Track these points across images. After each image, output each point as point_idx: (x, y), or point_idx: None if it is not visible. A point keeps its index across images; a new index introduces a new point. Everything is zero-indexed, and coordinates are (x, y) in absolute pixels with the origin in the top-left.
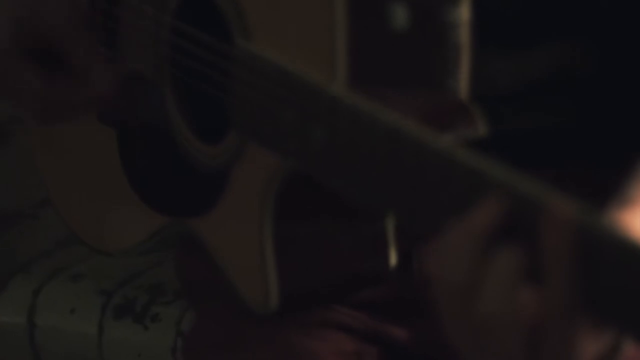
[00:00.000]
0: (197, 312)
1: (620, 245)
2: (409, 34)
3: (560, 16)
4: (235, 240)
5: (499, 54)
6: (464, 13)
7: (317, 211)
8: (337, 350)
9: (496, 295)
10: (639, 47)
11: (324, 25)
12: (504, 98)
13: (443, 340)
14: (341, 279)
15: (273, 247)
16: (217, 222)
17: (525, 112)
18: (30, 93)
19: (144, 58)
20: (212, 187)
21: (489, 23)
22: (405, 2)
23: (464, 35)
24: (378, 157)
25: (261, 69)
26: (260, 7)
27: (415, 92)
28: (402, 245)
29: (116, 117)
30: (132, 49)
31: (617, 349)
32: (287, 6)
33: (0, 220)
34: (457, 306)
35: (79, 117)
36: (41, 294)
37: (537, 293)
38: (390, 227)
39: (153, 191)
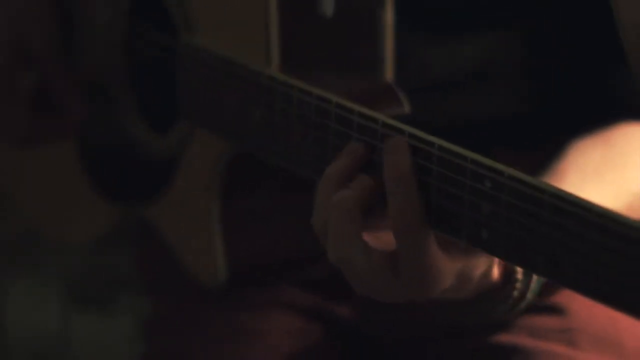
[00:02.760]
0: (154, 299)
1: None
2: (336, 20)
3: (491, 7)
4: (186, 220)
5: (433, 42)
6: None
7: (260, 190)
8: (283, 328)
9: (335, 234)
10: (567, 37)
11: (259, 17)
12: (439, 87)
13: (382, 316)
14: (285, 254)
15: (220, 225)
16: (169, 206)
17: (458, 101)
18: (16, 119)
19: (98, 59)
20: (164, 174)
21: (422, 12)
22: None
23: (388, 18)
24: (310, 129)
25: (203, 59)
26: (201, 5)
27: (344, 75)
28: None
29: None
30: (88, 51)
31: (510, 282)
32: (225, 3)
33: None
34: (323, 243)
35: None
36: (5, 291)
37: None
38: None
39: (110, 184)
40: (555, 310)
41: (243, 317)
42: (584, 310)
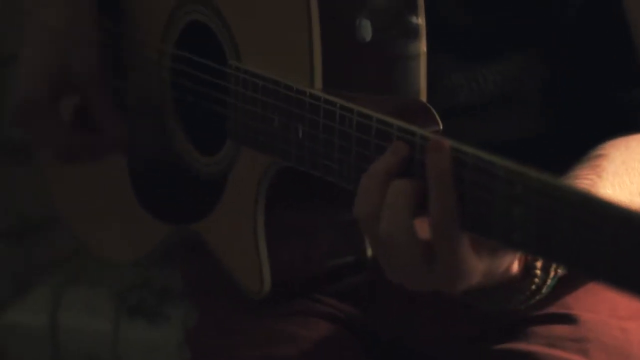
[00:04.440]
0: (199, 308)
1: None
2: (374, 45)
3: (513, 31)
4: (233, 235)
5: (457, 67)
6: (420, 24)
7: (303, 204)
8: (319, 336)
9: (391, 218)
10: (586, 63)
11: (302, 42)
12: (463, 109)
13: (410, 324)
14: (322, 266)
15: (266, 238)
16: (217, 222)
17: (483, 123)
18: (58, 138)
19: (148, 87)
20: (212, 192)
21: (446, 39)
22: (369, 16)
23: (422, 44)
24: (352, 144)
25: (251, 83)
26: (248, 31)
27: (381, 95)
28: None
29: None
30: (137, 79)
31: (529, 276)
32: (270, 29)
33: (24, 228)
34: (368, 231)
35: (94, 160)
36: (62, 297)
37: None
38: None
39: (160, 204)
40: (569, 320)
41: (282, 324)
42: (597, 321)
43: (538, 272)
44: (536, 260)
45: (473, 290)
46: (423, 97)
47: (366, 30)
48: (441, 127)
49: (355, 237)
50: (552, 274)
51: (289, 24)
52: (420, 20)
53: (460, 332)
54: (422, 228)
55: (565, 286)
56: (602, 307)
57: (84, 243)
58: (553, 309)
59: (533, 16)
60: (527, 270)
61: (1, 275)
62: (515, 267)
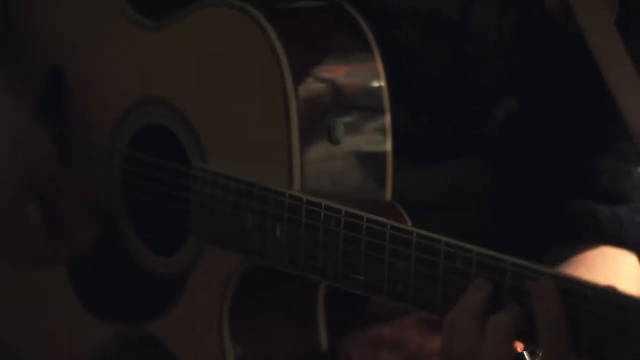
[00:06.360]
0: None
1: (599, 297)
2: (346, 144)
3: (456, 141)
4: (196, 334)
5: (406, 169)
6: (387, 123)
7: (267, 300)
8: None
9: (494, 354)
10: (525, 167)
11: (280, 144)
12: (411, 209)
13: None
14: None
15: (231, 339)
16: (177, 321)
17: (427, 223)
18: (27, 243)
19: (95, 186)
20: (168, 291)
21: (396, 143)
22: (342, 118)
23: (388, 143)
24: (338, 241)
25: (220, 184)
26: (217, 133)
27: (352, 194)
28: (331, 340)
29: None
30: (83, 180)
31: None
32: (244, 132)
33: None
34: None
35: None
36: None
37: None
38: (321, 312)
39: (106, 305)
40: None
41: None
42: None
43: None
44: None
45: None
46: (389, 192)
47: (340, 132)
48: (410, 223)
49: (313, 331)
50: None
51: (265, 127)
52: (387, 120)
53: None
54: None
55: None
56: None
57: (13, 351)
58: None
59: (475, 127)
60: None
61: None
62: None
